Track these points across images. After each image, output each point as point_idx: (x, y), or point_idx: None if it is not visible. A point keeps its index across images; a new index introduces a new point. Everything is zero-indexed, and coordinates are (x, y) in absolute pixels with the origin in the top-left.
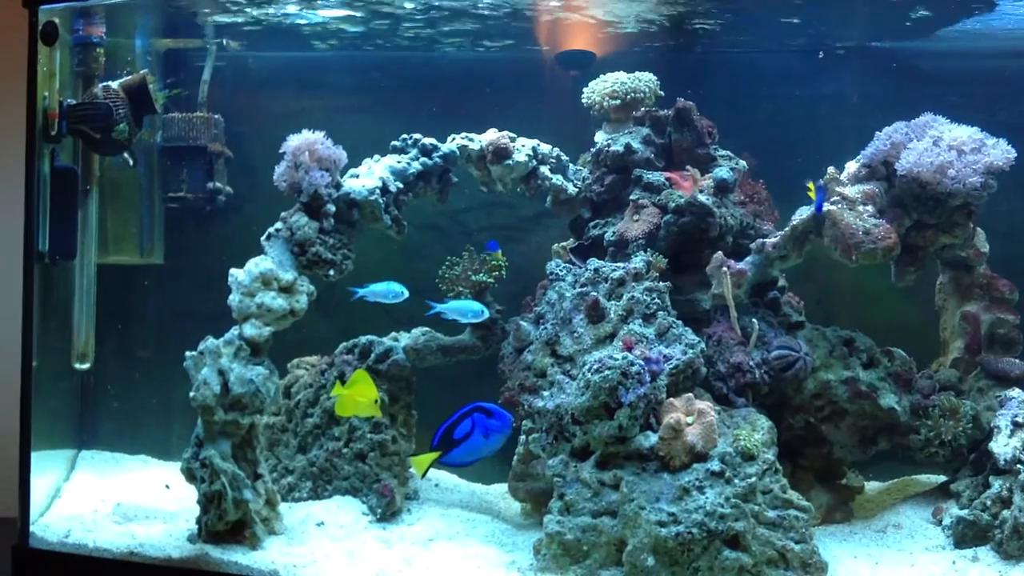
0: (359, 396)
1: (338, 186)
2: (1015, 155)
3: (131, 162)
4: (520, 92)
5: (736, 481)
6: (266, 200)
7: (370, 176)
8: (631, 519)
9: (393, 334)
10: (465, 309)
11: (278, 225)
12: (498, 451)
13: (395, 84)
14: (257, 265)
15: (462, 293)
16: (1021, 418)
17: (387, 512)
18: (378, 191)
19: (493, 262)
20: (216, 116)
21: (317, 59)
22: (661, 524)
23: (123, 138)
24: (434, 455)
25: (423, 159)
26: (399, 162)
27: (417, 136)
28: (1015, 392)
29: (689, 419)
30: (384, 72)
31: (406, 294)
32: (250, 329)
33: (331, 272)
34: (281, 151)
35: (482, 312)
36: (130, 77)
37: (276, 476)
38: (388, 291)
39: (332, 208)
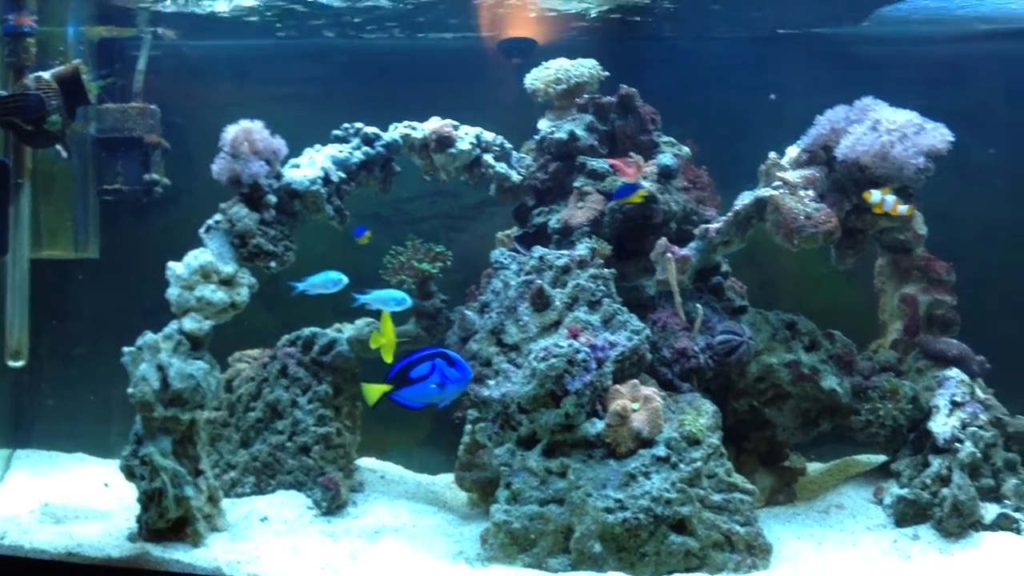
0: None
1: (279, 176)
2: (953, 138)
3: (64, 154)
4: (462, 80)
5: (682, 466)
6: (204, 191)
7: (311, 166)
8: (578, 506)
9: (336, 325)
10: (388, 298)
11: (217, 217)
12: (443, 440)
13: (335, 73)
14: (196, 258)
15: (405, 282)
16: (959, 397)
17: (332, 505)
18: (320, 181)
19: (438, 250)
20: (152, 106)
21: (255, 48)
22: (608, 511)
23: (56, 129)
24: (386, 387)
25: (365, 148)
26: (341, 151)
27: (359, 125)
28: (953, 372)
29: (635, 405)
30: (324, 60)
31: (345, 280)
32: (190, 323)
33: (273, 264)
34: (219, 142)
35: (405, 300)
36: (63, 67)
37: (218, 472)
38: (327, 280)
39: (273, 199)
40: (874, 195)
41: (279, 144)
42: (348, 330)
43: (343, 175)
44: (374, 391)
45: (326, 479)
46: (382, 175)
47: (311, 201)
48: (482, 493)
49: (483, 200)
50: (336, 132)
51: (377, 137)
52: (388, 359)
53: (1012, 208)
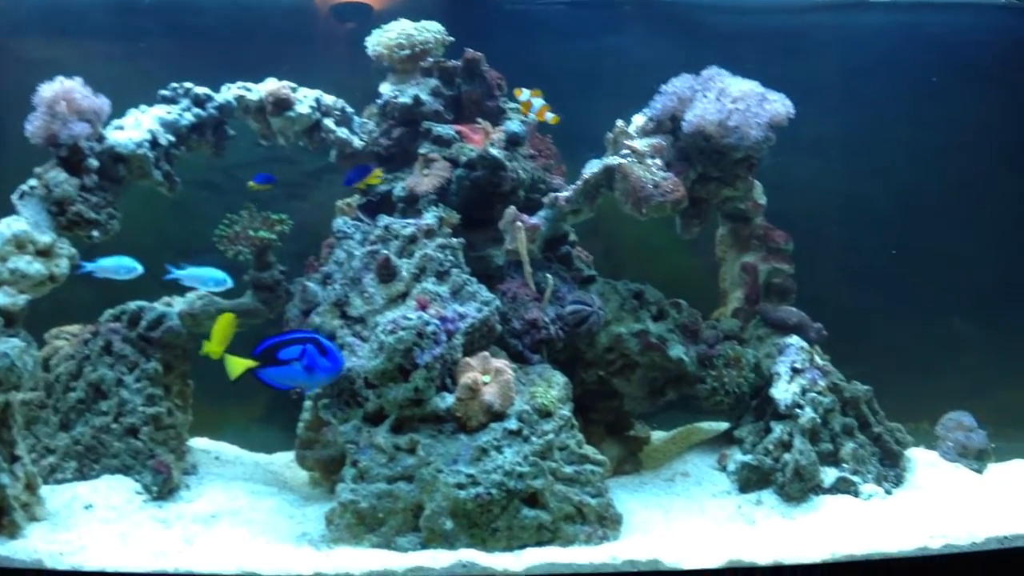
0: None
1: (101, 139)
2: (794, 109)
3: None
4: (298, 40)
5: (534, 439)
6: (16, 154)
7: (137, 128)
8: (428, 483)
9: (165, 299)
10: (206, 277)
11: (32, 182)
12: (280, 417)
13: (162, 29)
14: (9, 227)
15: (241, 252)
16: (799, 364)
17: (163, 489)
18: (147, 144)
19: (276, 218)
20: None
21: (73, 0)
22: (459, 486)
23: None
24: (251, 363)
25: (196, 110)
26: (169, 113)
27: (189, 85)
28: (793, 339)
29: (486, 378)
30: (148, 15)
31: (140, 270)
32: (3, 297)
33: (95, 233)
34: (34, 100)
35: (225, 281)
36: None
37: (35, 457)
38: (119, 267)
39: (95, 163)
40: (524, 93)
41: (102, 103)
42: (179, 304)
43: (172, 138)
44: (238, 364)
45: (156, 462)
46: (214, 139)
47: (137, 166)
48: (324, 471)
49: (323, 167)
50: (164, 92)
51: (209, 98)
52: (215, 356)
53: (845, 178)
